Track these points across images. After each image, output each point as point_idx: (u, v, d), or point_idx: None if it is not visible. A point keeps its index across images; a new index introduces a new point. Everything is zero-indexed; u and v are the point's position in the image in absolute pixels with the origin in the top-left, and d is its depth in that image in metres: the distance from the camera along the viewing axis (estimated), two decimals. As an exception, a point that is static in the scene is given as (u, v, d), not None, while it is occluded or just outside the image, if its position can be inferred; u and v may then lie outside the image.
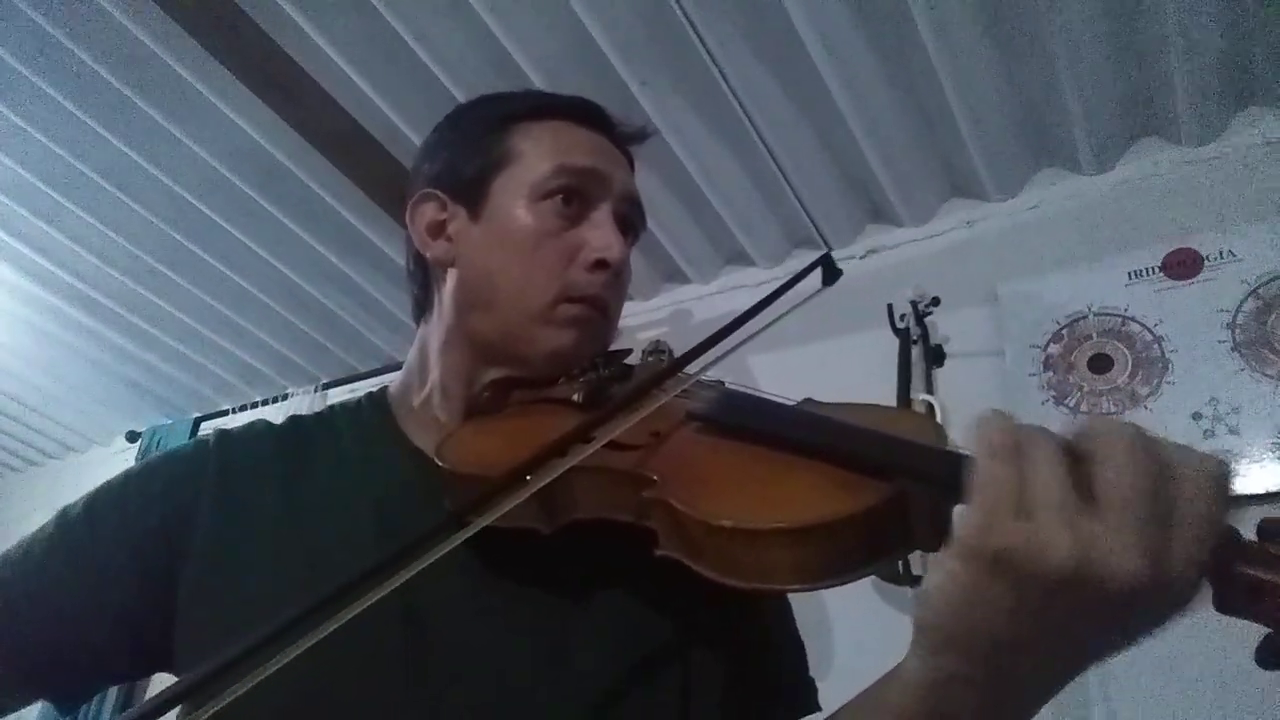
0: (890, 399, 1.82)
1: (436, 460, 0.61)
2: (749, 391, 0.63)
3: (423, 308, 0.78)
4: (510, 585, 0.62)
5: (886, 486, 0.47)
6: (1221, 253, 1.67)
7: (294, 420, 0.76)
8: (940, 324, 1.90)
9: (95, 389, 3.11)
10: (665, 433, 0.59)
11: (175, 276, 2.52)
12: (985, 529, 0.39)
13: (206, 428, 3.05)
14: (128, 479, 0.68)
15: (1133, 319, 1.71)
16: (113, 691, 2.68)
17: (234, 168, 2.12)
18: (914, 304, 1.89)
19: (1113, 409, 1.67)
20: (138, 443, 3.12)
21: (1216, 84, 1.68)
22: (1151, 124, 1.82)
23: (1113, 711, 1.45)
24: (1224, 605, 0.40)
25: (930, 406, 1.81)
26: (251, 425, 0.74)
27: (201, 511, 0.65)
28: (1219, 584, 0.39)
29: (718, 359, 0.61)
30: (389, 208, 2.14)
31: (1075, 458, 0.40)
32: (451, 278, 0.74)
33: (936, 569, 0.41)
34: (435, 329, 0.75)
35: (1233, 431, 1.54)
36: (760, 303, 0.63)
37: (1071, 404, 1.71)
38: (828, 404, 0.60)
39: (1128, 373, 1.68)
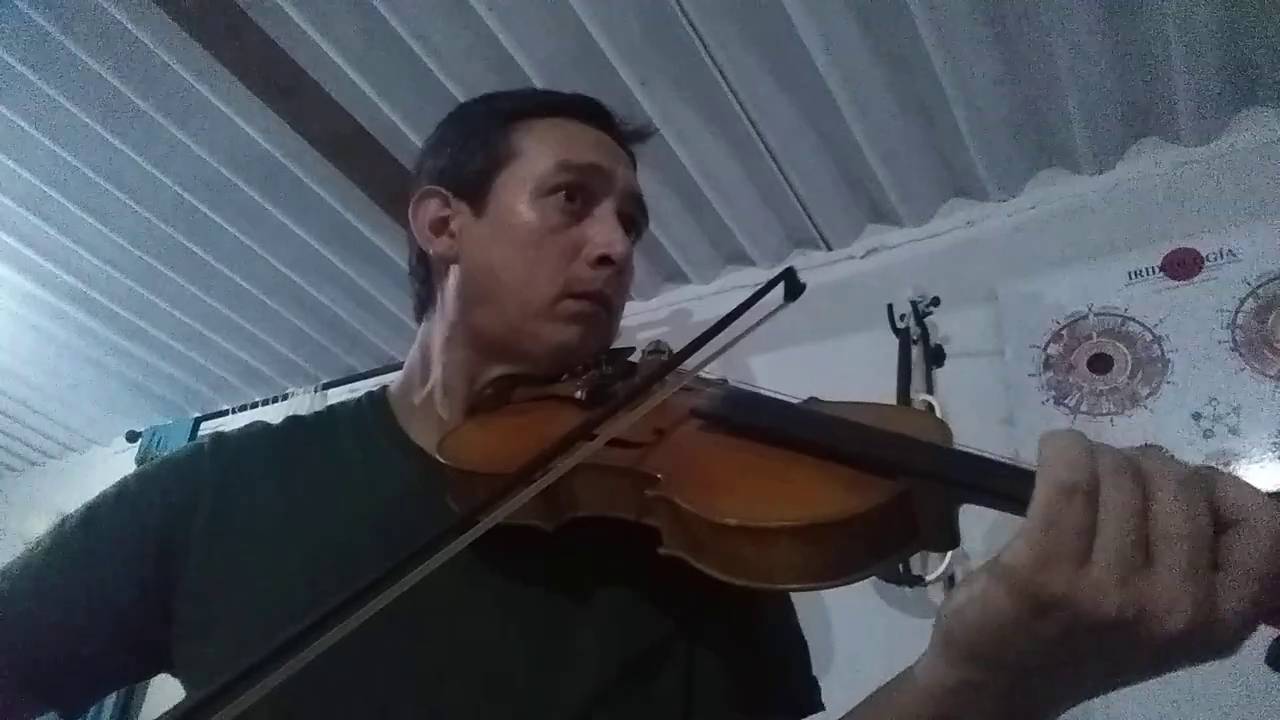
0: (890, 399, 1.82)
1: (437, 456, 0.61)
2: (753, 389, 0.62)
3: (425, 305, 0.78)
4: (511, 583, 0.62)
5: (892, 485, 0.46)
6: (1221, 253, 1.67)
7: (292, 420, 0.77)
8: (940, 324, 1.90)
9: (95, 389, 3.11)
10: (669, 430, 0.59)
11: (175, 276, 2.51)
12: (1040, 569, 0.37)
13: (206, 428, 3.05)
14: (124, 487, 0.68)
15: (1133, 319, 1.71)
16: (111, 696, 2.68)
17: (234, 168, 2.12)
18: (914, 304, 1.89)
19: (1112, 409, 1.67)
20: (138, 443, 3.12)
21: (1216, 84, 1.68)
22: (1151, 124, 1.82)
23: (1110, 702, 1.46)
24: None
25: (930, 406, 1.81)
26: (248, 427, 0.75)
27: (199, 515, 0.65)
28: None
29: (698, 365, 0.60)
30: (389, 208, 2.14)
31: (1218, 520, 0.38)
32: (454, 274, 0.74)
33: (976, 585, 0.40)
34: (438, 326, 0.75)
35: (1233, 431, 1.54)
36: (725, 317, 0.62)
37: (1071, 404, 1.71)
38: (832, 403, 0.60)
39: (1128, 373, 1.68)
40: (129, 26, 1.77)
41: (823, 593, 1.73)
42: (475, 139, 0.75)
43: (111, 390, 3.11)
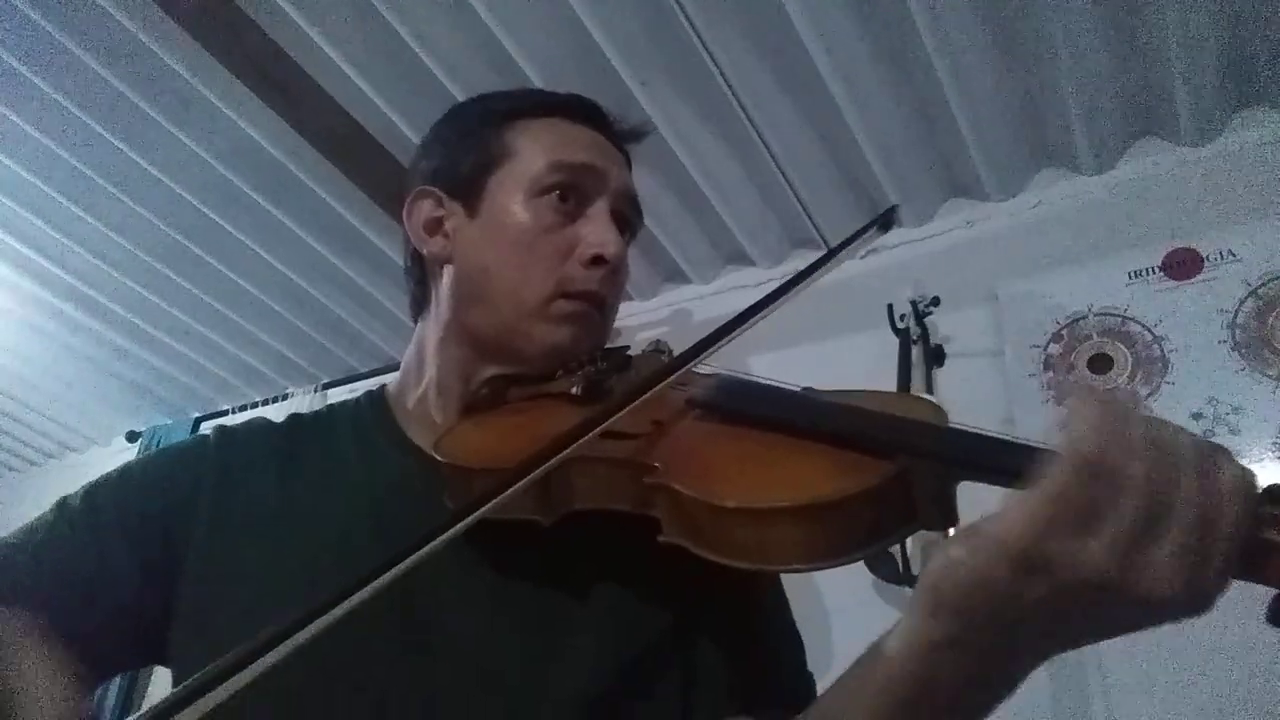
0: (890, 399, 1.82)
1: (434, 454, 0.61)
2: (747, 377, 0.63)
3: (420, 305, 0.79)
4: (508, 577, 0.62)
5: (889, 465, 0.47)
6: (1221, 253, 1.67)
7: (294, 418, 0.77)
8: (940, 324, 1.90)
9: (95, 389, 3.11)
10: (666, 421, 0.59)
11: (175, 276, 2.51)
12: (1042, 534, 0.38)
13: (206, 428, 3.04)
14: (127, 471, 0.68)
15: (1133, 319, 1.71)
16: (114, 688, 2.68)
17: (234, 168, 2.12)
18: (914, 304, 1.89)
19: (1113, 409, 1.67)
20: (138, 443, 3.12)
21: (1216, 84, 1.68)
22: (1151, 124, 1.82)
23: (1109, 694, 1.46)
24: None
25: (930, 406, 1.81)
26: (251, 422, 0.75)
27: (201, 505, 0.65)
28: None
29: (761, 317, 0.59)
30: (389, 208, 2.14)
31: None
32: (448, 274, 0.74)
33: (965, 543, 0.41)
34: (432, 326, 0.76)
35: (1233, 431, 1.54)
36: (823, 258, 0.65)
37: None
38: (827, 391, 0.60)
39: (1128, 373, 1.68)
40: (129, 27, 1.77)
41: (823, 592, 1.74)
42: (469, 139, 0.75)
43: (111, 390, 3.11)
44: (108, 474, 0.68)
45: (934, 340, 1.89)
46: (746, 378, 0.63)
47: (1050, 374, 1.75)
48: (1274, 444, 1.50)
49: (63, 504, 0.66)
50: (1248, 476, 0.39)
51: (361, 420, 0.75)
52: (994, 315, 1.86)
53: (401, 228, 0.78)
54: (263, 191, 2.19)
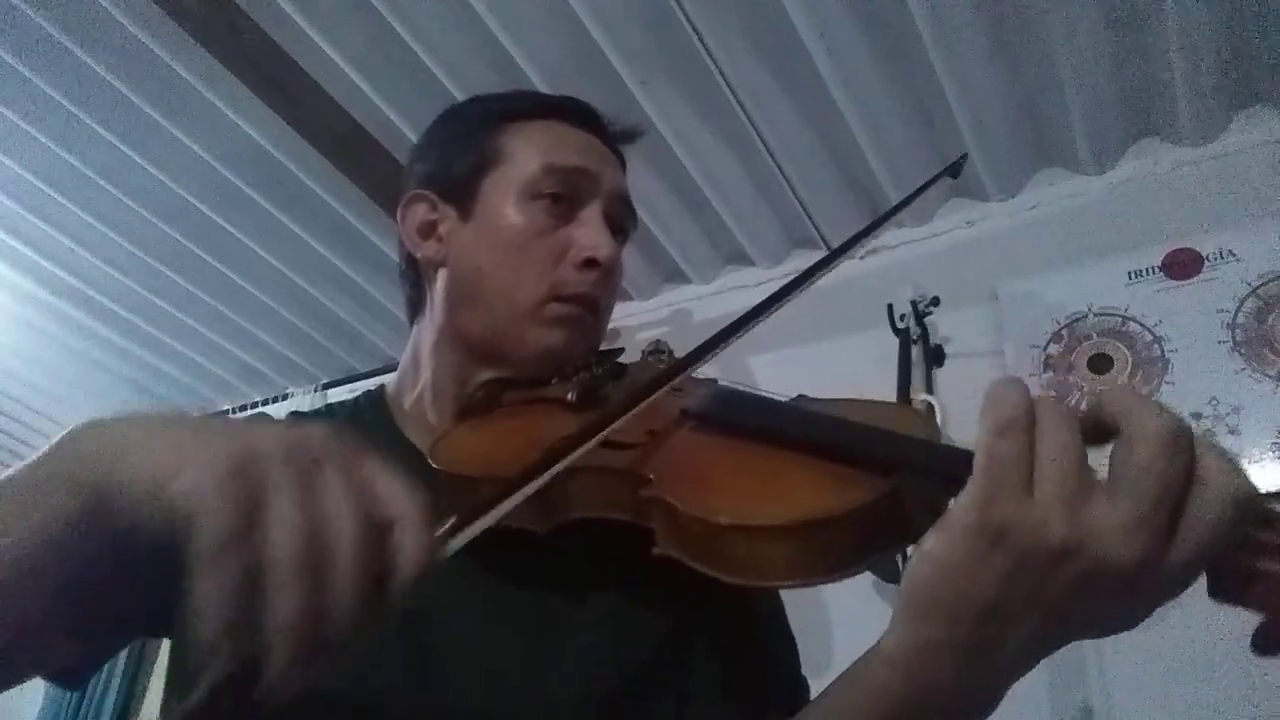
0: (890, 399, 1.82)
1: (430, 461, 0.61)
2: (742, 388, 0.63)
3: (416, 308, 0.79)
4: (505, 584, 0.62)
5: (883, 482, 0.47)
6: (1221, 253, 1.67)
7: (294, 417, 0.77)
8: (940, 324, 1.90)
9: (95, 389, 3.11)
10: (661, 431, 0.59)
11: (175, 276, 2.51)
12: (987, 501, 0.39)
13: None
14: None
15: (1133, 319, 1.71)
16: (112, 691, 2.68)
17: (234, 168, 2.12)
18: (914, 304, 1.89)
19: (1113, 409, 1.67)
20: (137, 443, 3.11)
21: (1216, 84, 1.68)
22: (1151, 124, 1.82)
23: (1109, 694, 1.46)
24: (1217, 593, 0.40)
25: (930, 406, 1.81)
26: (256, 417, 0.75)
27: None
28: (1213, 573, 0.40)
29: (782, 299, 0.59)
30: (389, 208, 2.12)
31: (1100, 430, 0.40)
32: (442, 277, 0.74)
33: (932, 535, 0.41)
34: (427, 328, 0.76)
35: (1233, 431, 1.54)
36: (890, 211, 0.64)
37: (1071, 404, 1.71)
38: (821, 400, 0.60)
39: (1128, 373, 1.68)
40: (129, 26, 1.77)
41: (822, 592, 1.74)
42: (462, 142, 0.76)
43: (111, 390, 3.11)
44: None
45: (934, 340, 1.89)
46: (741, 388, 0.63)
47: (1050, 374, 1.75)
48: (1274, 444, 1.51)
49: None
50: (1182, 429, 0.39)
51: (360, 420, 0.75)
52: (994, 315, 1.86)
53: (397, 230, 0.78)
54: (263, 191, 2.19)
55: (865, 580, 1.69)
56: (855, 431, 0.51)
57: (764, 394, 0.61)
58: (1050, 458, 0.39)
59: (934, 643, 0.42)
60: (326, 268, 2.45)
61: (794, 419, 0.56)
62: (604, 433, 0.51)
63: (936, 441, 0.50)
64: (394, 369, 0.82)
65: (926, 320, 1.89)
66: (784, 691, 0.68)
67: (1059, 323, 1.78)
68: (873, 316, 1.93)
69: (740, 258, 2.28)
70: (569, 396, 0.66)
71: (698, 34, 1.64)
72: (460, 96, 1.76)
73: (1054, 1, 1.53)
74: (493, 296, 0.70)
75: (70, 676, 0.61)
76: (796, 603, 0.74)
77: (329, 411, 0.78)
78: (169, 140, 2.04)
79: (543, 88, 1.70)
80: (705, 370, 0.64)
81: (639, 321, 2.36)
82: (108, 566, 0.42)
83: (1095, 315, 1.75)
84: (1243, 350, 1.59)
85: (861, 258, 2.11)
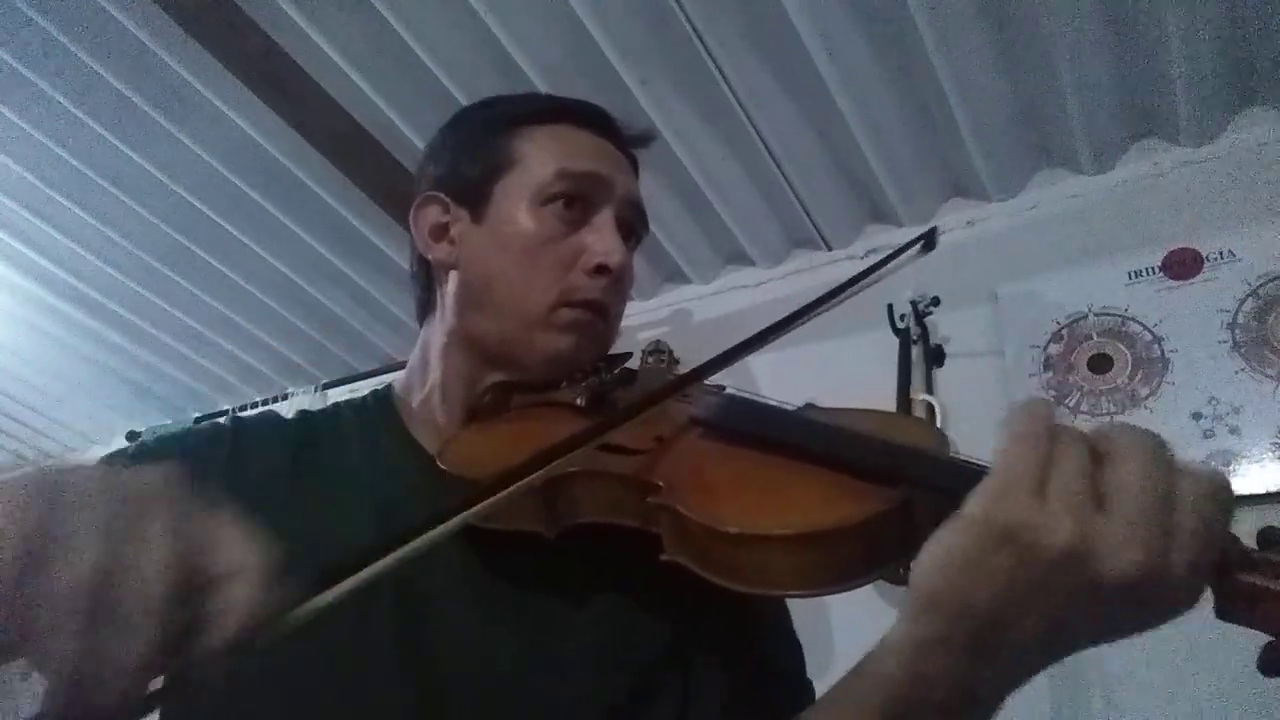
0: (890, 399, 1.82)
1: (439, 463, 0.61)
2: (752, 397, 0.63)
3: (425, 309, 0.79)
4: (512, 588, 0.62)
5: (892, 494, 0.47)
6: (1221, 253, 1.67)
7: (303, 415, 0.77)
8: (940, 324, 1.90)
9: (95, 389, 3.11)
10: (669, 438, 0.59)
11: (175, 276, 2.51)
12: (999, 500, 0.41)
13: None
14: (143, 447, 0.69)
15: (1133, 319, 1.71)
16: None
17: (234, 168, 2.12)
18: (914, 304, 1.89)
19: (1113, 409, 1.67)
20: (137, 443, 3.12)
21: (1216, 84, 1.68)
22: (1152, 124, 1.81)
23: (1109, 693, 1.46)
24: (1224, 612, 0.40)
25: (930, 407, 1.82)
26: (264, 415, 0.76)
27: (207, 492, 0.65)
28: (1219, 591, 0.40)
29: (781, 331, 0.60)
30: (389, 208, 2.14)
31: (1096, 457, 0.42)
32: (453, 280, 0.74)
33: (944, 529, 0.42)
34: (437, 330, 0.76)
35: (1233, 431, 1.54)
36: (857, 275, 0.68)
37: (1071, 404, 1.71)
38: (830, 409, 0.60)
39: (1128, 373, 1.68)
40: (129, 26, 1.77)
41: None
42: (475, 145, 0.75)
43: (111, 390, 3.11)
44: (121, 449, 0.69)
45: (934, 340, 1.89)
46: (750, 396, 0.63)
47: (1050, 374, 1.75)
48: (1274, 444, 1.51)
49: None
50: (1159, 445, 0.42)
51: (369, 421, 0.75)
52: (994, 315, 1.86)
53: (405, 228, 0.78)
54: (263, 191, 2.19)
55: (865, 580, 1.69)
56: (865, 443, 0.51)
57: (773, 402, 0.61)
58: (1063, 468, 0.41)
59: (936, 637, 0.43)
60: (326, 268, 2.45)
61: (803, 428, 0.56)
62: (601, 437, 0.51)
63: (946, 455, 0.50)
64: (394, 369, 0.82)
65: (926, 320, 1.89)
66: (787, 695, 0.68)
67: (1059, 323, 1.78)
68: (873, 316, 1.93)
69: (740, 258, 2.28)
70: (578, 401, 0.66)
71: (698, 34, 1.64)
72: (460, 97, 1.76)
73: (1054, 2, 1.53)
74: (503, 300, 0.70)
75: None
76: (798, 604, 0.74)
77: (336, 410, 0.78)
78: (169, 140, 2.04)
79: (543, 87, 1.71)
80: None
81: (639, 321, 2.36)
82: None
83: (1095, 315, 1.75)
84: (1243, 350, 1.59)
85: (862, 258, 2.11)
